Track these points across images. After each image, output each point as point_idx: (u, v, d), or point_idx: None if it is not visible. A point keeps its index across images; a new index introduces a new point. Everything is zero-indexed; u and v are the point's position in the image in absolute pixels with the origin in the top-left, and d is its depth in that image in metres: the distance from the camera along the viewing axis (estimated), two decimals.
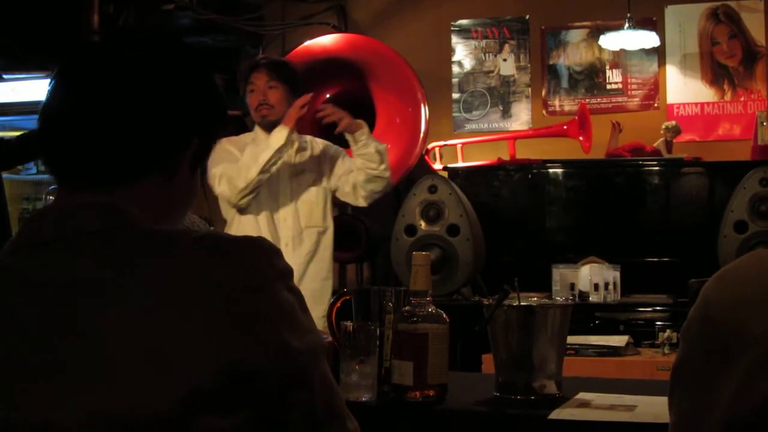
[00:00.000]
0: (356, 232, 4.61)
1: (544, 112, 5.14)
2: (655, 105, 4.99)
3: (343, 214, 4.65)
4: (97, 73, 1.09)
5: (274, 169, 3.36)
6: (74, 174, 1.08)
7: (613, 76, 5.05)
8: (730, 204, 3.84)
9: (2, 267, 1.05)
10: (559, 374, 1.73)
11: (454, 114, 5.24)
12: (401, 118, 4.65)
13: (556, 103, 5.13)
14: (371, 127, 4.56)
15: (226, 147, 3.40)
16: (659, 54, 4.97)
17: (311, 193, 3.51)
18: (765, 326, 0.93)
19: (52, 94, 1.10)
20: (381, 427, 1.68)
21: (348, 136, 3.45)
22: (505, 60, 5.20)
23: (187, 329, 0.95)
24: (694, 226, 4.19)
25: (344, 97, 4.75)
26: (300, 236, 3.47)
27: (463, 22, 5.25)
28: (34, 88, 5.00)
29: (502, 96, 5.19)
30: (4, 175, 3.21)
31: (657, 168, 4.33)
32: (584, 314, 3.71)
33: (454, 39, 5.26)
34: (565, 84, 5.12)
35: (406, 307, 1.69)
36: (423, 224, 3.97)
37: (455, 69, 5.26)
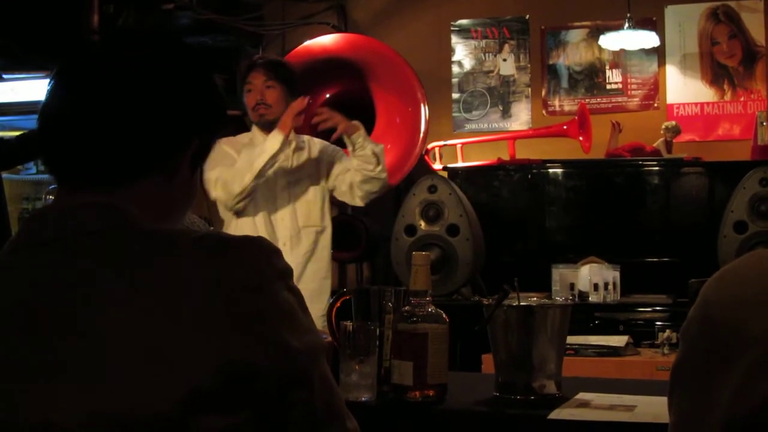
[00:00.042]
0: (356, 231, 4.61)
1: (544, 112, 5.14)
2: (655, 105, 4.99)
3: (342, 214, 4.66)
4: (97, 73, 1.09)
5: (270, 172, 3.37)
6: (74, 174, 1.08)
7: (613, 76, 5.05)
8: (730, 204, 3.85)
9: (2, 267, 1.05)
10: (559, 374, 1.73)
11: (454, 114, 5.24)
12: (401, 118, 4.65)
13: (556, 103, 5.13)
14: (371, 126, 4.58)
15: (222, 148, 3.40)
16: (659, 54, 4.97)
17: (309, 192, 3.51)
18: (765, 326, 0.93)
19: (52, 94, 1.10)
20: (381, 427, 1.68)
21: (345, 139, 3.45)
22: (505, 60, 5.20)
23: (187, 329, 0.95)
24: (694, 226, 4.19)
25: (344, 97, 4.75)
26: (298, 236, 3.48)
27: (463, 22, 5.25)
28: (34, 88, 5.00)
29: (501, 96, 5.19)
30: (4, 175, 3.21)
31: (657, 168, 4.33)
32: (584, 314, 3.72)
33: (454, 39, 5.26)
34: (565, 84, 5.12)
35: (406, 307, 1.69)
36: (423, 224, 3.97)
37: (455, 69, 5.26)
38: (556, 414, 1.57)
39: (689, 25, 4.95)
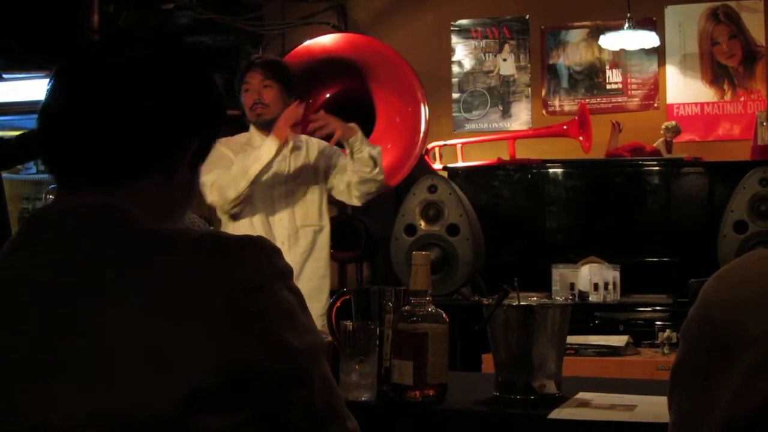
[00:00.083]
0: (356, 231, 4.61)
1: (543, 112, 5.14)
2: (655, 105, 4.99)
3: (343, 214, 4.66)
4: (97, 72, 1.09)
5: (265, 177, 3.38)
6: (74, 174, 1.08)
7: (613, 76, 5.05)
8: (730, 204, 3.85)
9: (2, 266, 1.05)
10: (559, 374, 1.73)
11: (454, 114, 5.24)
12: (401, 117, 4.65)
13: (556, 103, 5.13)
14: (371, 126, 4.58)
15: (219, 149, 3.40)
16: (659, 54, 4.97)
17: (307, 192, 3.52)
18: (765, 326, 0.93)
19: (52, 93, 1.10)
20: (381, 427, 1.68)
21: (344, 142, 3.46)
22: (504, 60, 5.20)
23: (187, 329, 0.95)
24: (693, 226, 4.19)
25: (344, 97, 4.75)
26: (296, 235, 3.48)
27: (463, 22, 5.25)
28: (34, 88, 5.00)
29: (501, 96, 5.20)
30: (4, 174, 3.21)
31: (657, 168, 4.33)
32: (584, 314, 3.72)
33: (454, 39, 5.26)
34: (565, 84, 5.12)
35: (406, 307, 1.69)
36: (423, 224, 3.97)
37: (455, 69, 5.26)
38: (556, 414, 1.57)
39: (689, 25, 4.95)
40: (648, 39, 4.63)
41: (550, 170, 4.41)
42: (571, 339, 2.49)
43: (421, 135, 4.61)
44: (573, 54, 5.11)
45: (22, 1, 4.41)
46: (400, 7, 5.29)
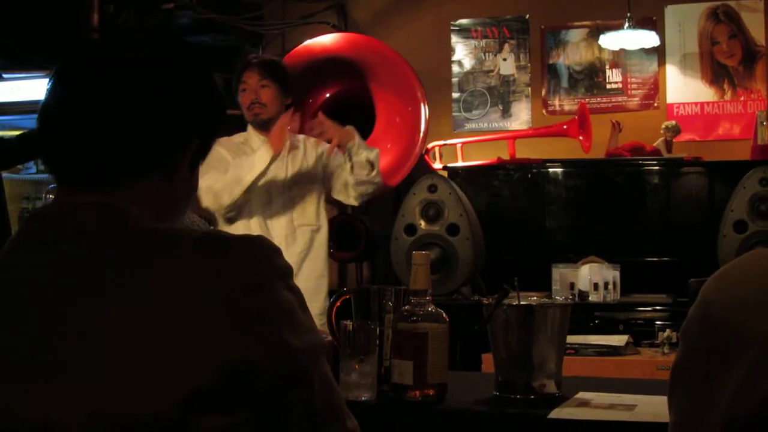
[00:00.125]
0: (356, 231, 4.61)
1: (543, 111, 5.14)
2: (655, 104, 4.99)
3: (343, 214, 4.66)
4: (97, 72, 1.09)
5: (259, 182, 3.39)
6: (74, 174, 1.08)
7: (613, 76, 5.05)
8: (730, 204, 3.85)
9: (2, 266, 1.05)
10: (559, 374, 1.73)
11: (454, 113, 5.24)
12: (401, 117, 4.65)
13: (556, 102, 5.13)
14: (371, 126, 4.58)
15: (217, 150, 3.40)
16: (659, 54, 4.97)
17: (304, 191, 3.52)
18: (765, 326, 0.93)
19: (51, 93, 1.10)
20: (381, 427, 1.68)
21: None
22: (504, 59, 5.20)
23: (187, 329, 0.95)
24: (693, 225, 4.19)
25: (344, 96, 4.75)
26: (293, 235, 3.48)
27: (463, 21, 5.25)
28: (34, 88, 5.00)
29: (501, 95, 5.19)
30: (4, 174, 3.21)
31: (657, 168, 4.33)
32: (584, 314, 3.72)
33: (454, 38, 5.26)
34: (564, 83, 5.12)
35: (406, 307, 1.69)
36: (423, 224, 3.98)
37: (455, 68, 5.26)
38: (556, 413, 1.57)
39: (689, 25, 4.95)
40: (648, 39, 4.63)
41: (550, 170, 4.41)
42: (571, 339, 2.49)
43: (421, 135, 4.61)
44: (573, 53, 5.11)
45: (22, 1, 4.41)
46: (400, 7, 5.29)
